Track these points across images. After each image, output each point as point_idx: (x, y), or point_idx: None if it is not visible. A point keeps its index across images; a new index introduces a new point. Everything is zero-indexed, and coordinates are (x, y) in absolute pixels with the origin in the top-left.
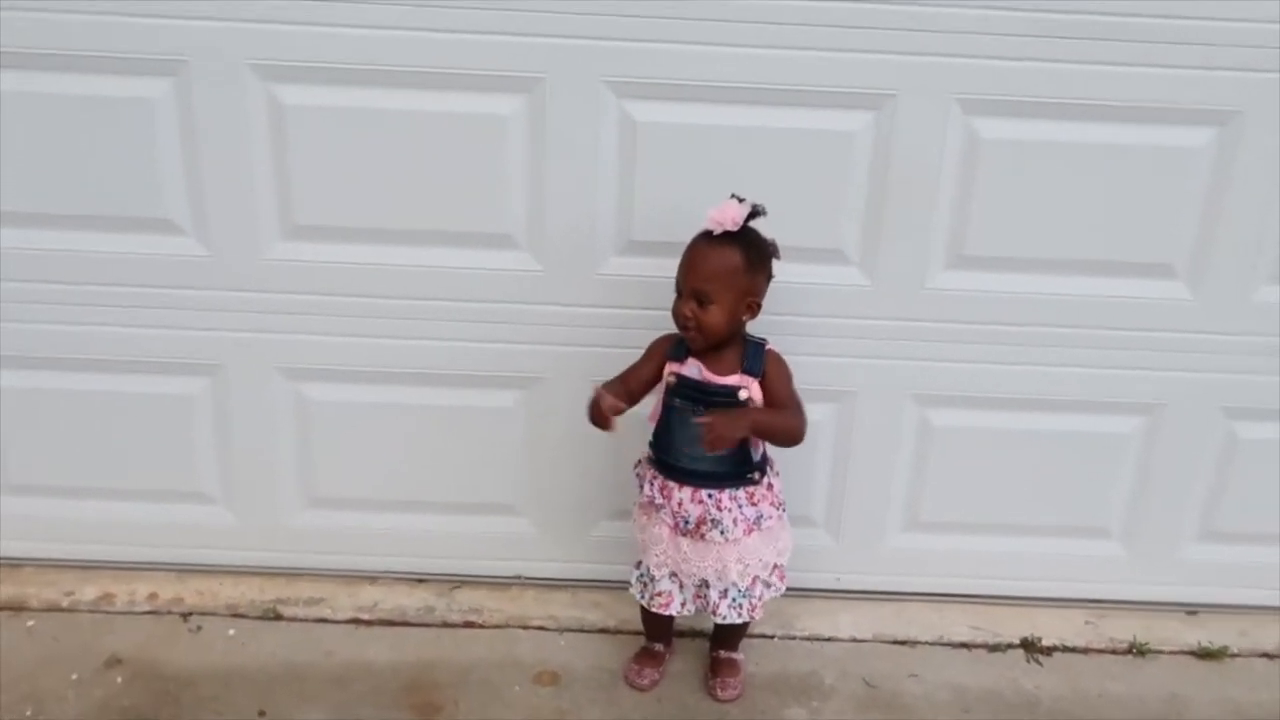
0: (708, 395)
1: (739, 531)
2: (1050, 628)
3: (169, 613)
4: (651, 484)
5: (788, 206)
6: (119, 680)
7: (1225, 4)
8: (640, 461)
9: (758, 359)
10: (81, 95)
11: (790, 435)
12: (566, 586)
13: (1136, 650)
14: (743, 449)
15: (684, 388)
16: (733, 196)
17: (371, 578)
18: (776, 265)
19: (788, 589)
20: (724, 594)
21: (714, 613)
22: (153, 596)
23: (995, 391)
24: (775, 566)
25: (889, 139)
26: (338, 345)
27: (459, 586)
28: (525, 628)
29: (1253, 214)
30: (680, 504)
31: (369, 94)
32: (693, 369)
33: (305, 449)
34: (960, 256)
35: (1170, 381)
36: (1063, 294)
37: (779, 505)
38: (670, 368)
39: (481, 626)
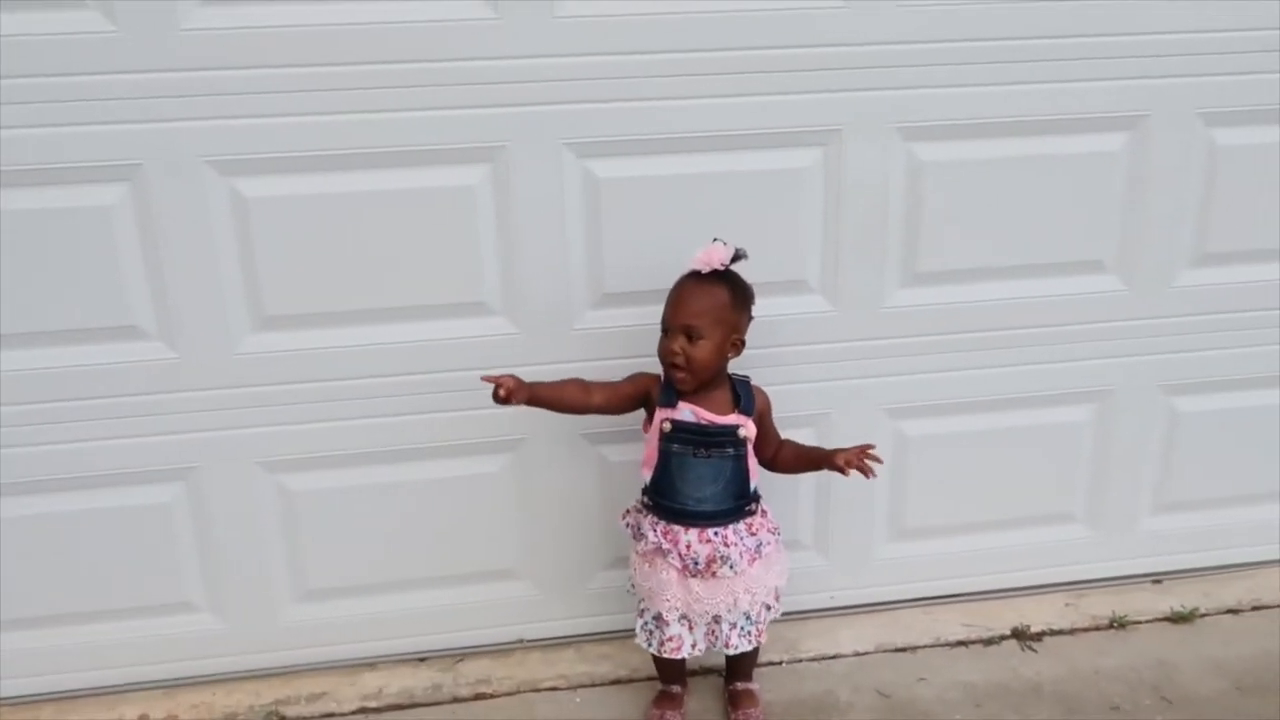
0: (708, 437)
1: (744, 564)
2: (1035, 614)
3: None
4: (654, 530)
5: (749, 243)
6: None
7: (1130, 18)
8: (629, 511)
9: (749, 397)
10: (33, 209)
11: None
12: (571, 643)
13: (1116, 624)
14: (743, 482)
15: (681, 433)
16: (715, 240)
17: (371, 664)
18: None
19: (785, 614)
20: (733, 626)
21: (726, 645)
22: (144, 718)
23: (959, 396)
24: (775, 588)
25: (839, 171)
26: (317, 432)
27: (462, 659)
28: (538, 690)
29: (1169, 206)
30: (689, 546)
31: (332, 179)
32: (687, 413)
33: (292, 541)
34: (914, 274)
35: (1113, 368)
36: (1008, 298)
37: (775, 530)
38: (663, 414)
39: (493, 696)
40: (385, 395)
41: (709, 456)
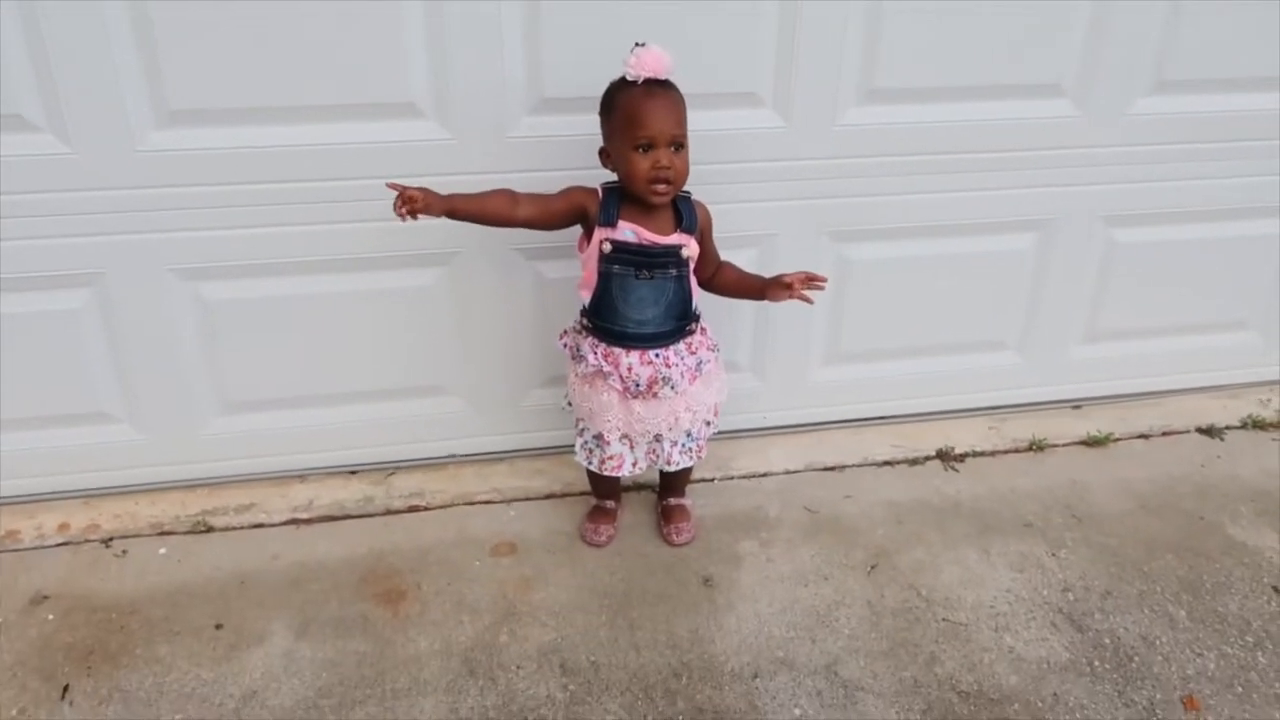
0: (650, 258)
1: (685, 383)
2: (960, 437)
3: (86, 541)
4: (594, 353)
5: (700, 49)
6: (50, 617)
7: None
8: (567, 333)
9: (691, 214)
10: None
11: None
12: (505, 459)
13: (1035, 447)
14: (685, 302)
15: (621, 253)
16: (643, 44)
17: (301, 476)
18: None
19: (719, 433)
20: (674, 443)
21: (668, 462)
22: (63, 527)
23: (904, 221)
24: (714, 405)
25: None
26: (232, 239)
27: (394, 473)
28: (472, 504)
29: (1133, 28)
30: (630, 369)
31: None
32: (628, 233)
33: (212, 353)
34: (870, 90)
35: (1057, 196)
36: (961, 120)
37: (714, 348)
38: (602, 234)
39: (427, 509)
40: (306, 202)
41: (651, 278)
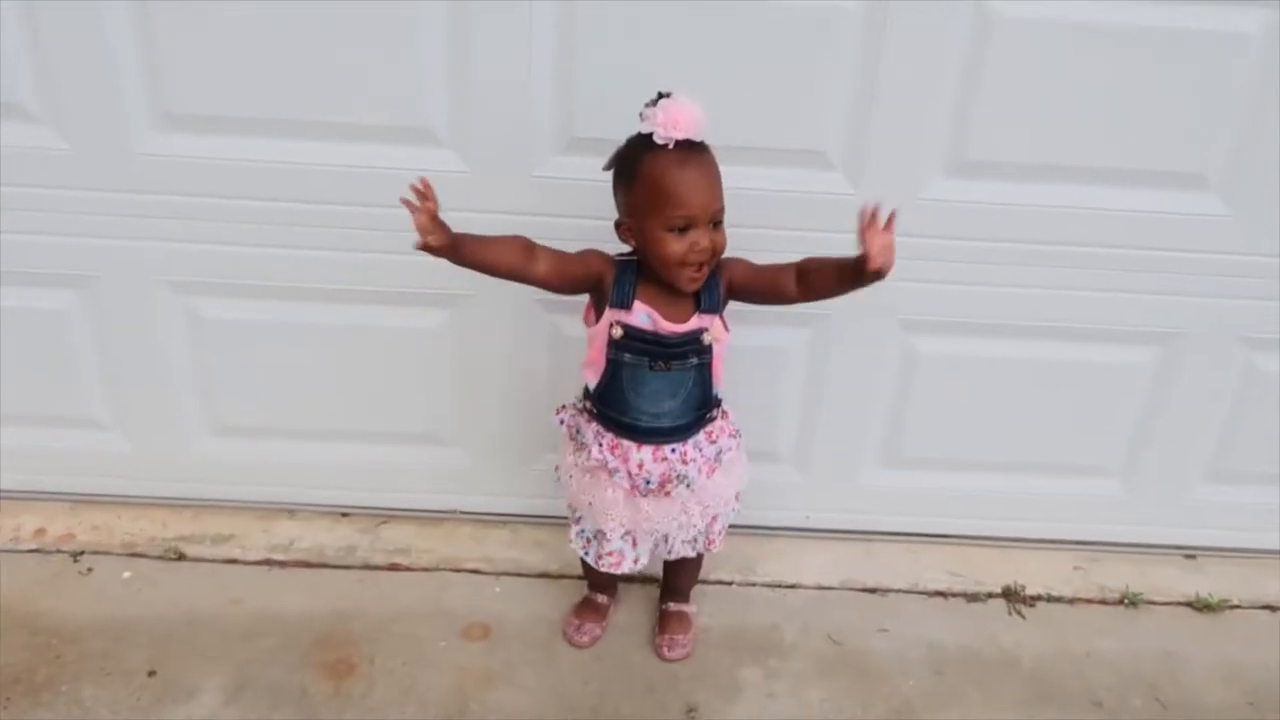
0: (667, 348)
1: (703, 478)
2: (1035, 574)
3: (57, 551)
4: (600, 443)
5: (759, 98)
6: None
7: None
8: (566, 409)
9: (713, 292)
10: None
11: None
12: (507, 522)
13: (1128, 601)
14: (706, 392)
15: (634, 340)
16: (661, 95)
17: (290, 511)
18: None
19: (750, 527)
20: (681, 539)
21: (669, 552)
22: (39, 532)
23: (992, 316)
24: (734, 495)
25: (885, 10)
26: (231, 256)
27: (386, 522)
28: (457, 570)
29: None
30: (640, 465)
31: None
32: (643, 317)
33: (205, 372)
34: (961, 162)
35: (1188, 307)
36: (1073, 206)
37: (735, 434)
38: (614, 316)
39: (409, 569)
40: (305, 224)
41: (668, 369)
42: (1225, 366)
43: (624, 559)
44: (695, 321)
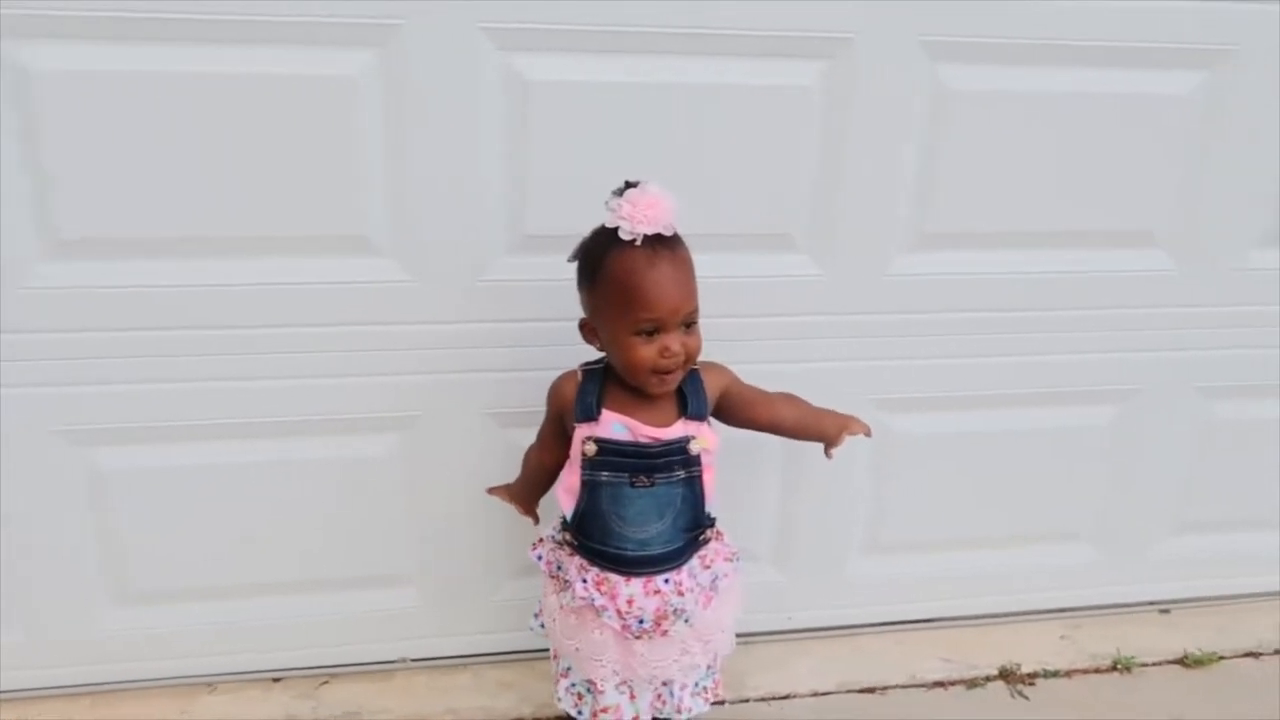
0: (649, 459)
1: (699, 610)
2: (1027, 650)
3: None
4: (583, 579)
5: (721, 183)
6: None
7: None
8: (543, 542)
9: (699, 394)
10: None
11: None
12: (468, 665)
13: (1120, 666)
14: (697, 509)
15: (611, 455)
16: (635, 184)
17: (209, 683)
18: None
19: (735, 635)
20: (684, 685)
21: (679, 710)
22: None
23: (958, 389)
24: (733, 625)
25: (847, 90)
26: (137, 395)
27: (327, 682)
28: None
29: (1245, 167)
30: (630, 601)
31: (158, 53)
32: (616, 427)
33: (108, 533)
34: (921, 235)
35: (1145, 362)
36: (1029, 271)
37: (732, 557)
38: (584, 431)
39: None
40: (222, 352)
41: (651, 485)
42: (1184, 418)
43: (623, 714)
44: (680, 428)
